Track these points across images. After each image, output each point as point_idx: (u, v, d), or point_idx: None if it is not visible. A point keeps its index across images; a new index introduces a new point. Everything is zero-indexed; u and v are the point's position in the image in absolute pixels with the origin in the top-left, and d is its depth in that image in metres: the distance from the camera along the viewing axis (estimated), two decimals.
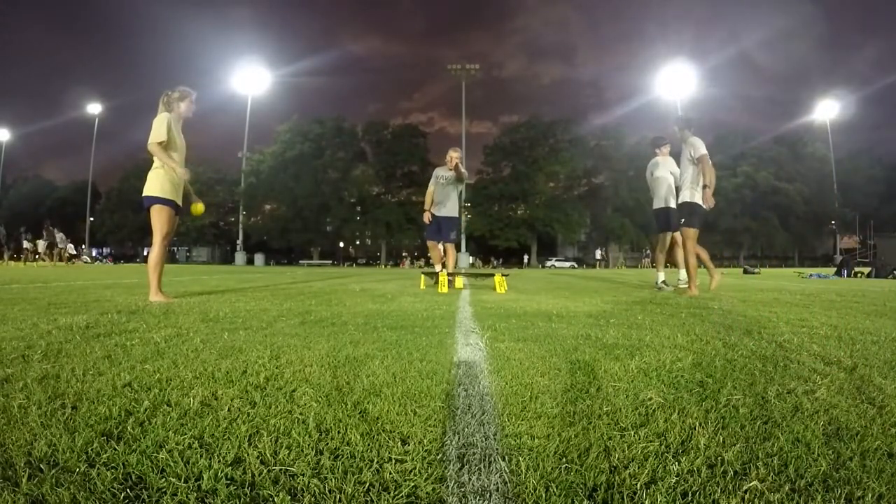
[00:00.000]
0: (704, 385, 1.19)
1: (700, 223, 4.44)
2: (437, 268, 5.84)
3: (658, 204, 5.41)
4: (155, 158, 3.42)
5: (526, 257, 46.26)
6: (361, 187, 45.56)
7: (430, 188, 5.87)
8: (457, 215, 5.87)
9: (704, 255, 4.72)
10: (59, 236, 18.28)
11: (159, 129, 3.38)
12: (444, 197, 5.78)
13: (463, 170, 5.64)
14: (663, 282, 5.24)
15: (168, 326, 2.06)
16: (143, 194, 3.44)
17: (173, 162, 3.42)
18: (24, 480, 0.69)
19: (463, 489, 0.70)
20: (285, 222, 43.98)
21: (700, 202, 4.35)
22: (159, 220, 3.41)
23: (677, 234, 5.15)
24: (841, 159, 45.08)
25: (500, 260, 44.19)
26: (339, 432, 0.88)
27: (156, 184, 3.41)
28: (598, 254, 36.31)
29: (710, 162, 4.32)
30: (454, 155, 5.65)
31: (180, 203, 3.58)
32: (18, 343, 1.62)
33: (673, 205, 5.17)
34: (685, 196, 4.46)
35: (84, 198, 47.62)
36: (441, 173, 5.79)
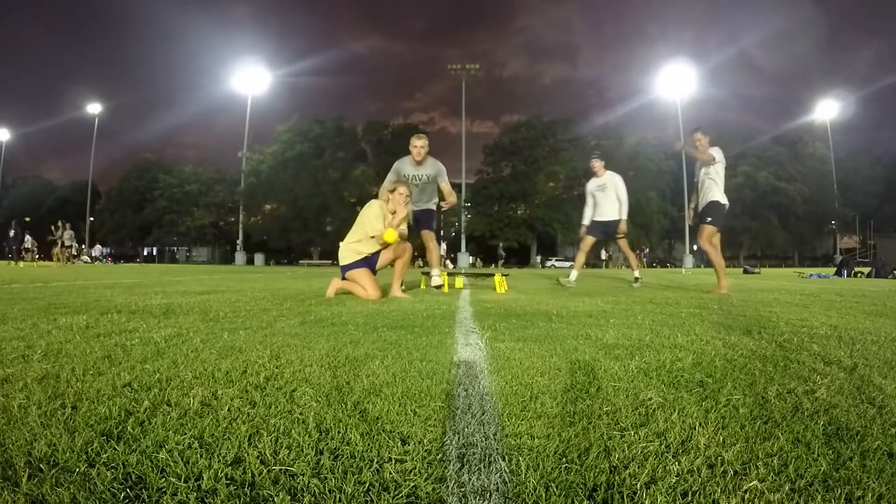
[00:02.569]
0: (704, 385, 1.20)
1: (721, 223, 4.80)
2: (436, 271, 5.24)
3: (613, 216, 5.96)
4: (351, 234, 3.84)
5: (539, 258, 46.12)
6: (361, 187, 45.47)
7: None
8: (434, 207, 4.96)
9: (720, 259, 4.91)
10: (69, 234, 18.03)
11: (372, 223, 3.73)
12: (420, 196, 4.81)
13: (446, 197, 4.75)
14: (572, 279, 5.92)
15: (168, 326, 2.06)
16: (340, 264, 3.83)
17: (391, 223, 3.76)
18: (24, 480, 0.69)
19: (463, 489, 0.70)
20: (285, 222, 43.96)
21: (724, 201, 4.76)
22: (363, 280, 3.71)
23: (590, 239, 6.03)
24: (841, 159, 45.04)
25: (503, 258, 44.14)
26: (339, 432, 0.88)
27: (347, 254, 3.81)
28: (604, 254, 36.31)
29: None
30: (419, 143, 4.57)
31: (378, 248, 3.83)
32: (18, 343, 1.62)
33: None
34: (715, 195, 4.75)
35: (84, 198, 47.62)
36: (411, 172, 4.70)
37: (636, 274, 6.20)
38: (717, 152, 4.75)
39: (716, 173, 4.74)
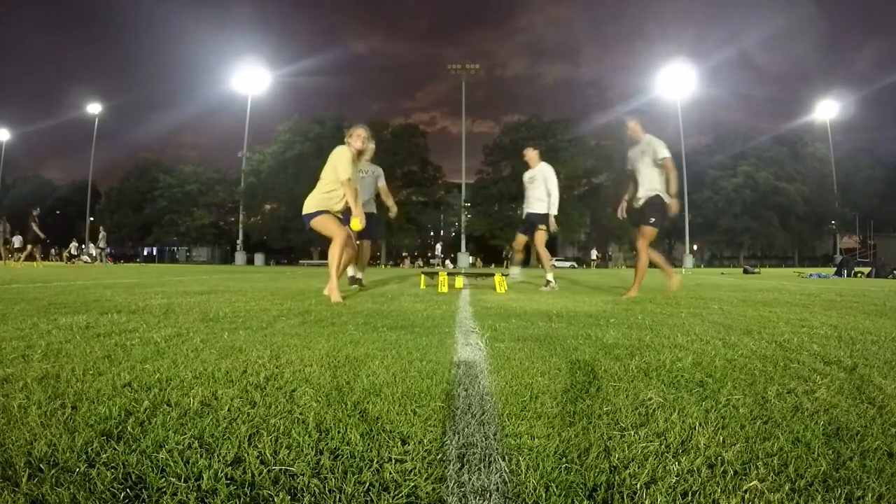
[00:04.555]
0: (704, 385, 1.20)
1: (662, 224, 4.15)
2: (351, 271, 4.82)
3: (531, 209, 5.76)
4: (319, 184, 3.66)
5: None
6: None
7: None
8: (376, 211, 4.91)
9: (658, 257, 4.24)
10: (102, 235, 17.80)
11: (344, 166, 3.59)
12: (363, 193, 4.43)
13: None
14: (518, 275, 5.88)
15: (168, 326, 2.06)
16: (304, 212, 3.66)
17: (357, 207, 3.58)
18: (24, 480, 0.69)
19: (463, 489, 0.70)
20: (285, 222, 43.95)
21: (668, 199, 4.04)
22: (324, 227, 3.60)
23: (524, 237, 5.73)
24: (841, 159, 45.08)
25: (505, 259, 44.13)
26: (339, 432, 0.88)
27: (314, 203, 3.64)
28: (594, 253, 36.67)
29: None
30: (362, 134, 3.84)
31: (339, 214, 3.72)
32: (18, 343, 1.62)
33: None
34: (657, 190, 4.02)
35: (84, 198, 47.58)
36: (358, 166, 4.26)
37: (549, 276, 5.40)
38: (663, 148, 3.98)
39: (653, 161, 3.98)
